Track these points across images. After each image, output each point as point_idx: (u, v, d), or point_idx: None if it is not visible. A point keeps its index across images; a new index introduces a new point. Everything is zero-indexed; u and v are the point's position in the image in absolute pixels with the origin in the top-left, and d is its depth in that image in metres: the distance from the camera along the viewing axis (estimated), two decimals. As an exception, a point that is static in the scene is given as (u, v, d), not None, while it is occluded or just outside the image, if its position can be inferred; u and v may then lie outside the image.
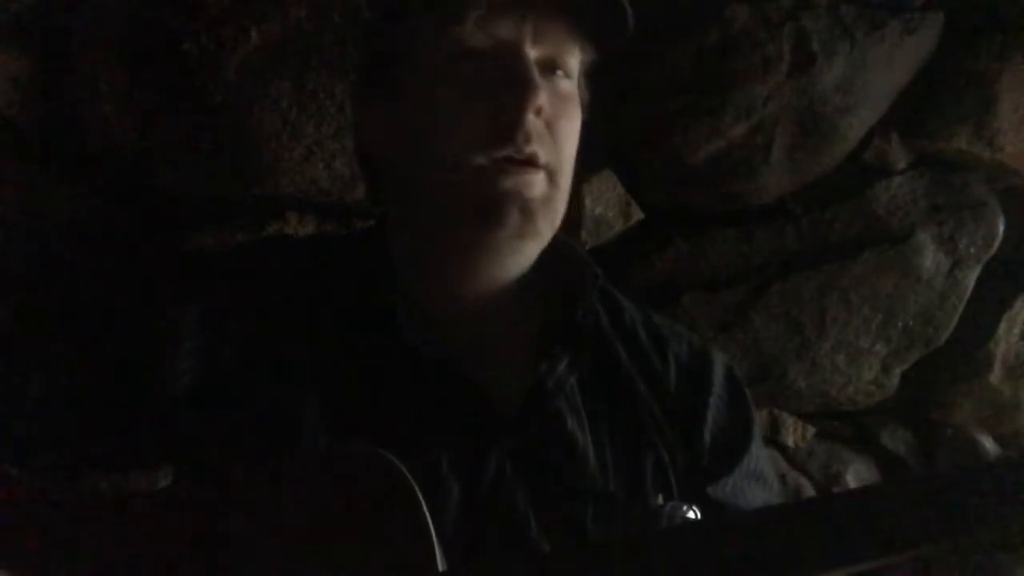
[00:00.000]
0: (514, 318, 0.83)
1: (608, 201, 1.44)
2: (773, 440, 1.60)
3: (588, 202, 1.41)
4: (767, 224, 1.52)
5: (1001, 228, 1.57)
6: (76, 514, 0.65)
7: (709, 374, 0.88)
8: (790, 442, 1.61)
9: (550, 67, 0.79)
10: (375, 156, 0.87)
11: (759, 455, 0.88)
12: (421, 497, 0.62)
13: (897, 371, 1.58)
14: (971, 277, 1.57)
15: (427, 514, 0.62)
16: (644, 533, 0.73)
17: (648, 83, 1.42)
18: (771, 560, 0.57)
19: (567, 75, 0.81)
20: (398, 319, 0.78)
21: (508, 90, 0.75)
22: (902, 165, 1.55)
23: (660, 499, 0.79)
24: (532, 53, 0.77)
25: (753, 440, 0.88)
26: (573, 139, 0.81)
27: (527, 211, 0.77)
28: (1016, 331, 1.62)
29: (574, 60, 0.82)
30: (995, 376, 1.61)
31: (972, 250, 1.55)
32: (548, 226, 0.80)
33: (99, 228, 1.24)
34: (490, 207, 0.76)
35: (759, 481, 0.87)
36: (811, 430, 1.63)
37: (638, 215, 1.47)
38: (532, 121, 0.76)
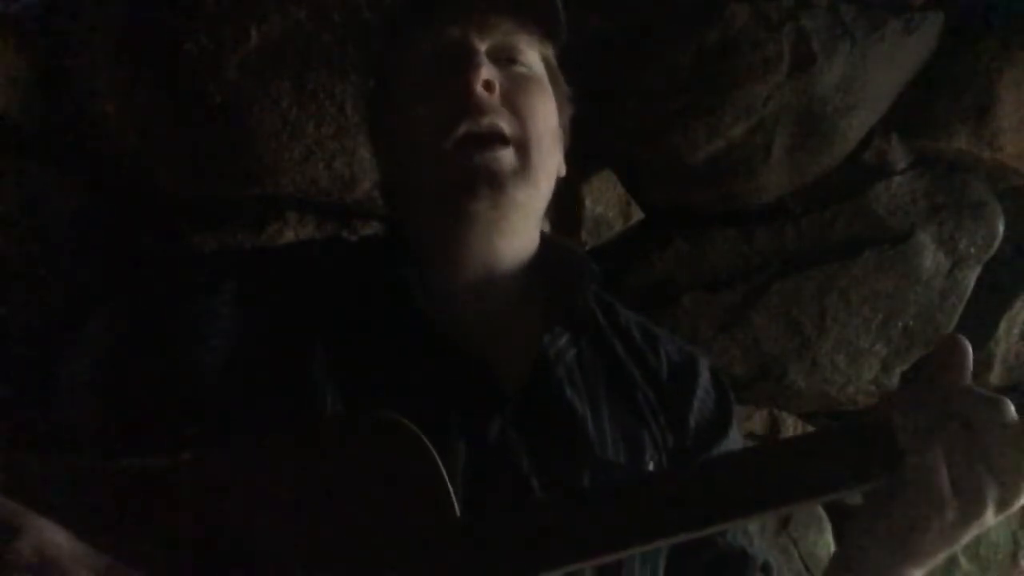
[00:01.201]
0: (517, 302, 0.89)
1: (608, 201, 1.44)
2: (773, 440, 1.60)
3: (588, 202, 1.41)
4: (767, 224, 1.52)
5: (1001, 228, 1.57)
6: (101, 485, 0.67)
7: (696, 372, 0.95)
8: (790, 442, 1.61)
9: (508, 58, 0.87)
10: (382, 158, 0.98)
11: (735, 446, 0.94)
12: (438, 459, 0.65)
13: (897, 371, 1.58)
14: (971, 277, 1.57)
15: (445, 474, 0.65)
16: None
17: (648, 83, 1.42)
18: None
19: (525, 65, 0.88)
20: (411, 294, 0.84)
21: (455, 73, 0.84)
22: (902, 165, 1.55)
23: (651, 467, 0.86)
24: (482, 45, 0.86)
25: (731, 430, 0.94)
26: (541, 115, 0.87)
27: (497, 183, 0.83)
28: (1016, 331, 1.62)
29: (531, 51, 0.90)
30: (995, 376, 1.62)
31: (972, 250, 1.56)
32: (524, 196, 0.85)
33: (99, 228, 1.24)
34: (463, 182, 0.83)
35: None
36: (811, 430, 1.63)
37: (638, 215, 1.47)
38: (484, 96, 0.83)
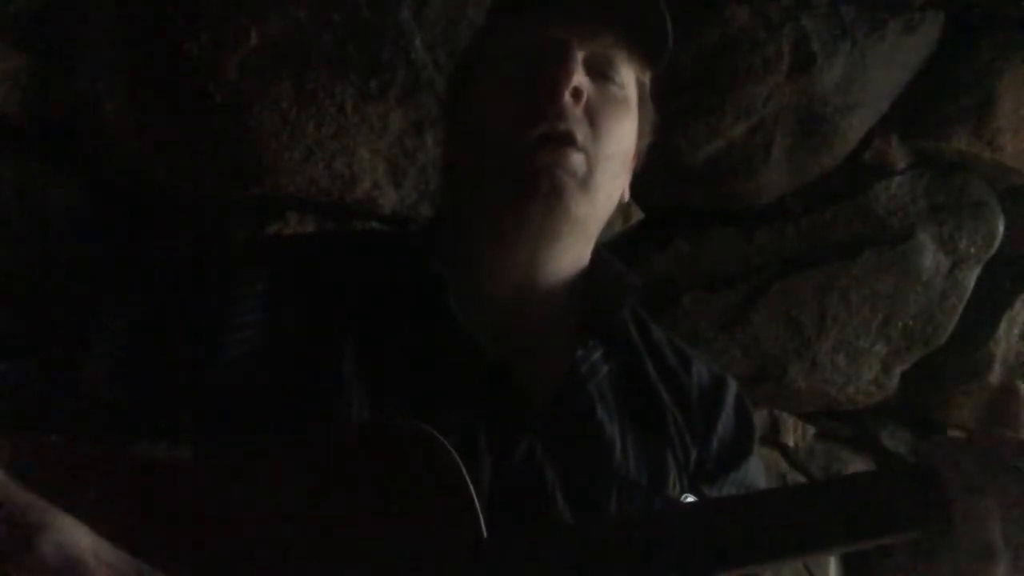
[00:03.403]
0: (554, 314, 0.87)
1: (608, 201, 1.44)
2: (773, 440, 1.60)
3: (588, 202, 1.41)
4: (767, 224, 1.52)
5: (1001, 228, 1.57)
6: (109, 474, 0.66)
7: (724, 394, 0.93)
8: (790, 442, 1.61)
9: (601, 72, 0.85)
10: (448, 155, 0.96)
11: (755, 471, 0.93)
12: (465, 472, 0.64)
13: (897, 371, 1.58)
14: (971, 277, 1.57)
15: (472, 488, 0.64)
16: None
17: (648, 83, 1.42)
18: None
19: (617, 83, 0.86)
20: (448, 301, 0.82)
21: (547, 73, 0.82)
22: (902, 165, 1.55)
23: (677, 491, 0.84)
24: (580, 52, 0.83)
25: (751, 455, 0.93)
26: (617, 138, 0.85)
27: (558, 186, 0.81)
28: (1016, 331, 1.62)
29: (626, 70, 0.87)
30: (995, 376, 1.61)
31: (972, 250, 1.56)
32: (582, 211, 0.84)
33: (99, 228, 1.24)
34: (524, 179, 0.82)
35: (748, 491, 0.92)
36: (811, 430, 1.63)
37: (638, 215, 1.47)
38: (569, 103, 0.81)
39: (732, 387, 0.95)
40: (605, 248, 0.95)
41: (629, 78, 0.88)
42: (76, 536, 0.58)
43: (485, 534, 0.64)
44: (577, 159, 0.82)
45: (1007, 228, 1.58)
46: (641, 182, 0.97)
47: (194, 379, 0.78)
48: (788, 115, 1.44)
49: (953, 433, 1.69)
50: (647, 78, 0.91)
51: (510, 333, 0.84)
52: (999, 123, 1.52)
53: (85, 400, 0.76)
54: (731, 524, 0.63)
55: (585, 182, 0.83)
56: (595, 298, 0.89)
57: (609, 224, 1.47)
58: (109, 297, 0.84)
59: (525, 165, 0.81)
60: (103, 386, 0.77)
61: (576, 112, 0.82)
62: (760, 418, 1.59)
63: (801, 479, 1.62)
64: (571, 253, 0.88)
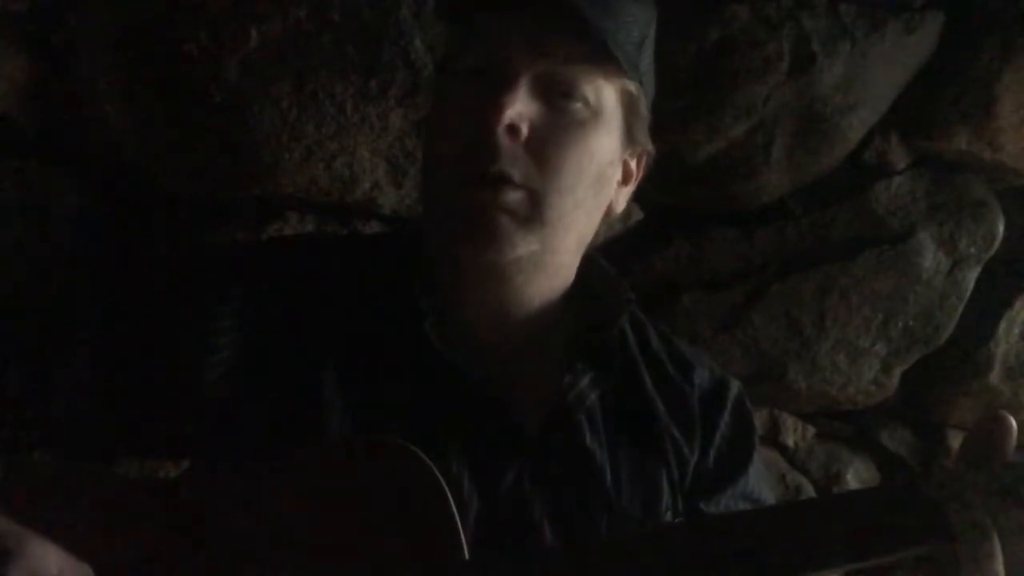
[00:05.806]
0: (539, 338, 0.83)
1: (608, 201, 1.44)
2: (773, 440, 1.60)
3: (588, 202, 1.41)
4: (767, 224, 1.52)
5: (1001, 228, 1.57)
6: (94, 497, 0.66)
7: (724, 400, 0.90)
8: (790, 442, 1.61)
9: (559, 91, 0.76)
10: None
11: (756, 479, 0.91)
12: (448, 491, 0.63)
13: (897, 371, 1.58)
14: (971, 277, 1.57)
15: (454, 506, 0.63)
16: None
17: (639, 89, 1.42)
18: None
19: (578, 101, 0.77)
20: (427, 325, 0.78)
21: (480, 109, 0.74)
22: (902, 165, 1.55)
23: (671, 514, 0.82)
24: (528, 71, 0.75)
25: (751, 465, 0.90)
26: (574, 166, 0.77)
27: (491, 228, 0.75)
28: (1016, 331, 1.62)
29: (592, 84, 0.77)
30: (995, 376, 1.61)
31: (972, 250, 1.55)
32: (530, 247, 0.77)
33: (99, 228, 1.24)
34: (457, 218, 0.77)
35: (751, 502, 0.90)
36: (811, 430, 1.63)
37: (638, 215, 1.47)
38: (504, 141, 0.74)
39: (733, 391, 0.91)
40: (600, 253, 0.92)
41: (600, 91, 0.78)
42: (49, 561, 0.57)
43: (466, 548, 0.63)
44: (515, 197, 0.75)
45: (1007, 228, 1.57)
46: (641, 182, 0.96)
47: (174, 400, 0.77)
48: (788, 115, 1.44)
49: (953, 434, 1.69)
50: (634, 86, 0.81)
51: (493, 358, 0.81)
52: (999, 123, 1.51)
53: (60, 413, 0.76)
54: (730, 543, 0.62)
55: (529, 219, 0.76)
56: (585, 317, 0.85)
57: (609, 225, 1.47)
58: (91, 309, 0.83)
59: (460, 202, 0.75)
60: (76, 399, 0.76)
61: (515, 149, 0.74)
62: (760, 418, 1.58)
63: (801, 479, 1.62)
64: (537, 284, 0.82)
